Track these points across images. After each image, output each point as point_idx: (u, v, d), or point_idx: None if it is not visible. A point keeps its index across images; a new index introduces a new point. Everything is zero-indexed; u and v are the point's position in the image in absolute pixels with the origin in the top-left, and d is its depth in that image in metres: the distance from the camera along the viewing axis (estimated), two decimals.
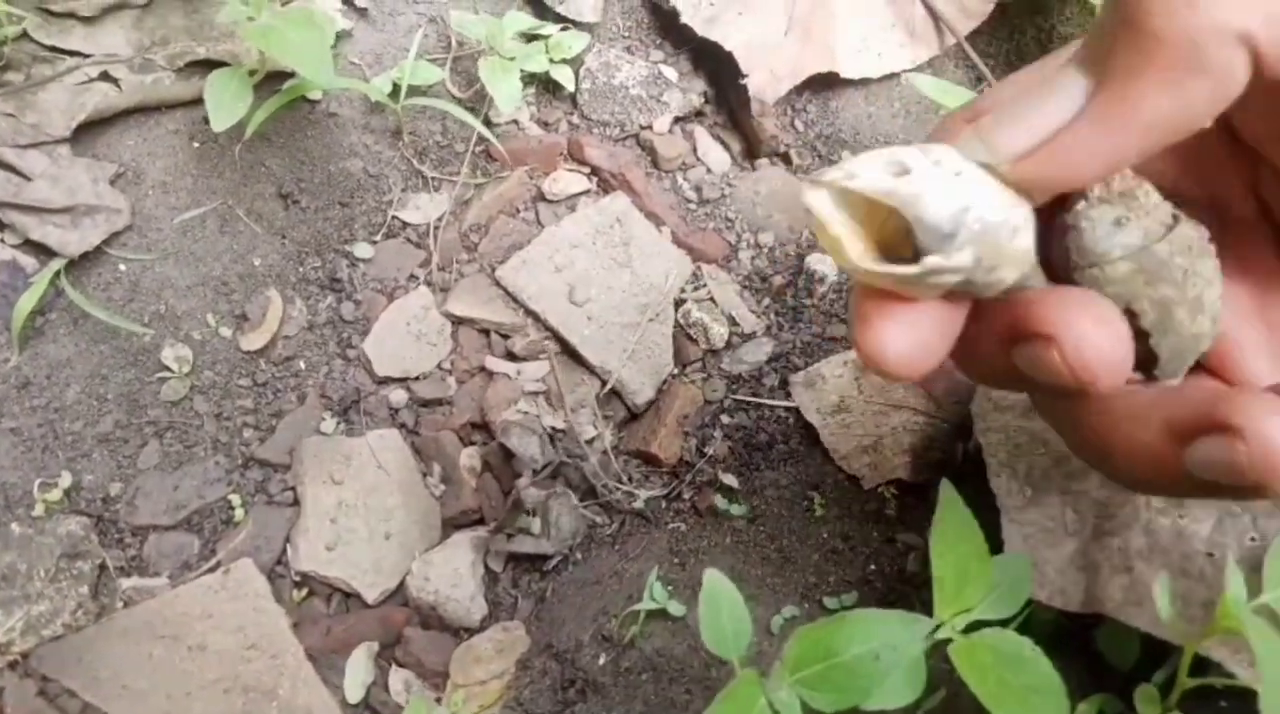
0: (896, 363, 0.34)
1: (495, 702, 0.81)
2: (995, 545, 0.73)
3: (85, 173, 0.90)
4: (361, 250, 0.97)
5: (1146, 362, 0.36)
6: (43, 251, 0.89)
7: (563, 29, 1.02)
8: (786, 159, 1.04)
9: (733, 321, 0.97)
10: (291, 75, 0.93)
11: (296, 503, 0.89)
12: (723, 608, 0.66)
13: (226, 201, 0.94)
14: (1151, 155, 0.33)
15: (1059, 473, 0.74)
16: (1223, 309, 0.36)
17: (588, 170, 1.03)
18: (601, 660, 0.80)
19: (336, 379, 0.93)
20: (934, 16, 1.02)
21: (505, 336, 0.95)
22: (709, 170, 1.04)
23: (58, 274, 0.89)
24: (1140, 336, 0.34)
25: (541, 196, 1.02)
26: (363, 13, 1.00)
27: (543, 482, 0.87)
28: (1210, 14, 0.30)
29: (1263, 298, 0.38)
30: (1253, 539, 0.66)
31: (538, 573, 0.89)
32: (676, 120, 1.05)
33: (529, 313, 0.95)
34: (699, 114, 1.07)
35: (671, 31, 1.07)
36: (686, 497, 0.91)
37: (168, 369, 0.90)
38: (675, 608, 0.80)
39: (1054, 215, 0.35)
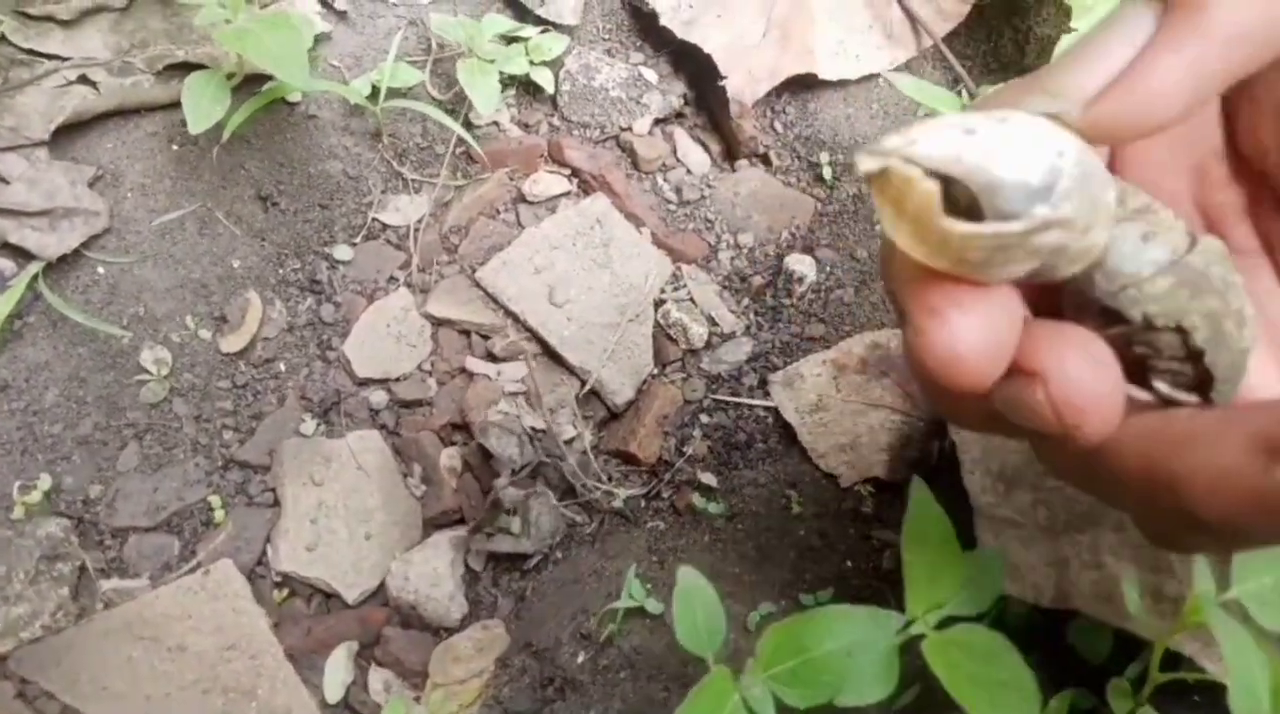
0: (973, 363, 0.29)
1: (474, 700, 0.81)
2: (969, 542, 0.74)
3: (63, 176, 0.90)
4: (341, 252, 0.97)
5: (1203, 383, 0.32)
6: (21, 255, 0.89)
7: (542, 31, 1.03)
8: (766, 160, 1.05)
9: (712, 322, 0.97)
10: (270, 78, 0.93)
11: (276, 504, 0.89)
12: (697, 605, 0.66)
13: (205, 204, 0.95)
14: (1237, 80, 0.29)
15: (1031, 470, 0.74)
16: None
17: (568, 172, 1.03)
18: (580, 659, 0.80)
19: (316, 381, 0.94)
20: (911, 19, 1.03)
21: (485, 337, 0.96)
22: (689, 172, 1.05)
23: (36, 277, 0.88)
24: (1193, 357, 0.32)
25: (522, 198, 1.02)
26: (342, 15, 1.00)
27: (522, 481, 0.87)
28: None
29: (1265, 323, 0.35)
30: None
31: (517, 572, 0.89)
32: (656, 122, 1.06)
33: (509, 314, 0.95)
34: (679, 116, 1.08)
35: (651, 34, 1.07)
36: (665, 496, 0.91)
37: (147, 371, 0.91)
38: (653, 606, 0.80)
39: None
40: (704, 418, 0.93)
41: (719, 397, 0.94)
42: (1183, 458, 0.29)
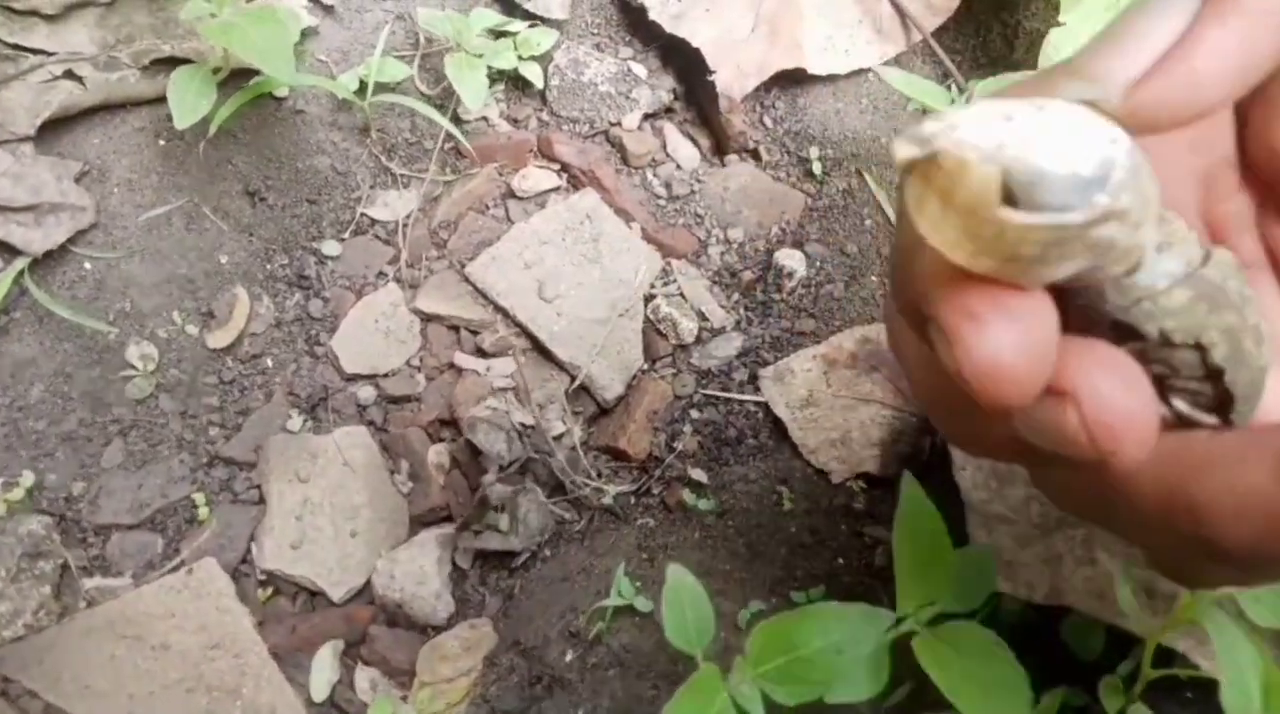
0: (1019, 372, 0.26)
1: (462, 699, 0.81)
2: (961, 539, 0.73)
3: (49, 171, 0.89)
4: (329, 247, 0.97)
5: (1223, 403, 0.31)
6: (6, 250, 0.88)
7: (531, 26, 1.02)
8: (756, 155, 1.04)
9: (702, 317, 0.96)
10: (256, 73, 0.92)
11: (262, 501, 0.88)
12: (686, 603, 0.65)
13: (193, 199, 0.94)
14: None
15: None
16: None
17: (557, 167, 1.02)
18: (569, 657, 0.80)
19: (304, 377, 0.93)
20: (900, 13, 1.02)
21: (474, 333, 0.95)
22: (678, 166, 1.04)
23: (21, 273, 0.88)
24: (1212, 376, 0.30)
25: (511, 193, 1.01)
26: (329, 9, 1.00)
27: (510, 478, 0.87)
28: None
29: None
30: None
31: (506, 570, 0.88)
32: (646, 117, 1.05)
33: (498, 309, 0.95)
34: (668, 111, 1.07)
35: (640, 28, 1.07)
36: (655, 492, 0.90)
37: (133, 367, 0.90)
38: (642, 604, 0.79)
39: None
40: (694, 413, 0.93)
41: (709, 392, 0.94)
42: (1203, 482, 0.28)
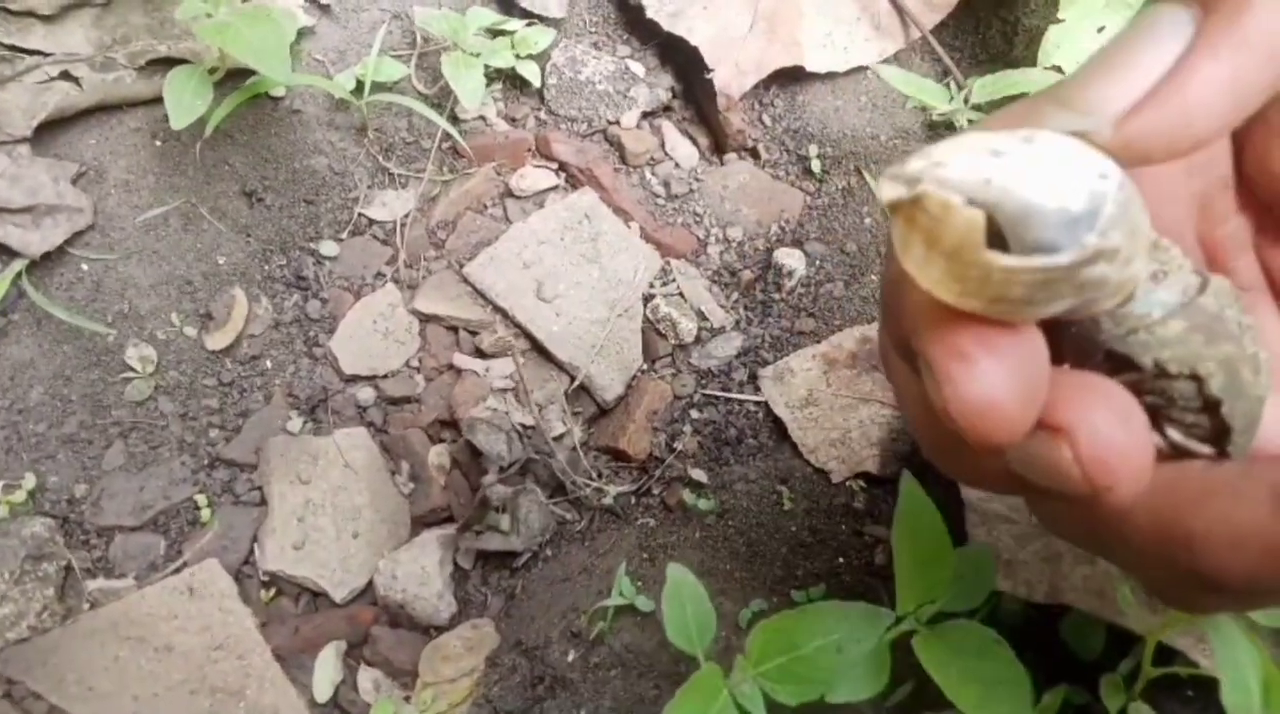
0: (1009, 412, 0.26)
1: (464, 699, 0.81)
2: (961, 538, 0.74)
3: (46, 172, 0.89)
4: (327, 248, 0.97)
5: (1220, 434, 0.30)
6: (4, 252, 0.88)
7: (528, 24, 1.02)
8: (754, 153, 1.04)
9: (701, 316, 0.96)
10: (253, 72, 0.92)
11: (263, 503, 0.88)
12: (686, 602, 0.66)
13: (190, 200, 0.94)
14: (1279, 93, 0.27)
15: None
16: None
17: (555, 166, 1.02)
18: (570, 657, 0.80)
19: (303, 378, 0.93)
20: (899, 10, 1.02)
21: (473, 333, 0.95)
22: (677, 165, 1.04)
23: (19, 275, 0.88)
24: (1209, 407, 0.30)
25: (509, 193, 1.01)
26: (325, 9, 0.99)
27: (511, 478, 0.87)
28: None
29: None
30: None
31: (507, 570, 0.88)
32: (644, 115, 1.05)
33: (497, 309, 0.95)
34: (666, 109, 1.07)
35: (638, 27, 1.07)
36: (656, 492, 0.90)
37: (132, 369, 0.90)
38: (644, 603, 0.79)
39: None
40: (694, 413, 0.93)
41: (709, 392, 0.94)
42: (1200, 514, 0.28)
